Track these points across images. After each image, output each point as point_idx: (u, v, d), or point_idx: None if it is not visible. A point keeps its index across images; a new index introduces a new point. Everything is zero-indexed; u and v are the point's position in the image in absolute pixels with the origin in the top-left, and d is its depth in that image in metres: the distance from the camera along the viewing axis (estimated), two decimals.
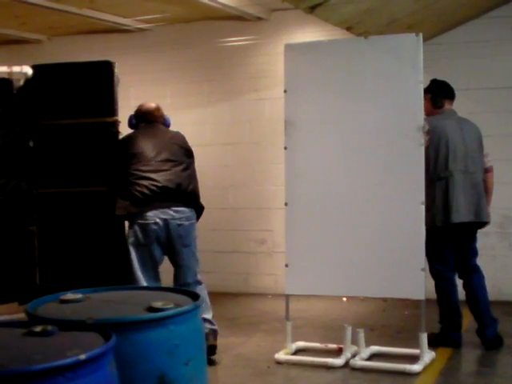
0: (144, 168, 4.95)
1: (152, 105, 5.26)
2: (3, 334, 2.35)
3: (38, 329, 2.29)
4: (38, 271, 5.71)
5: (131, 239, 4.99)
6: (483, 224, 5.29)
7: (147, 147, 5.01)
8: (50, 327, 2.30)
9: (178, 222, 4.99)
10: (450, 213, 5.04)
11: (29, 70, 5.71)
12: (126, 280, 5.26)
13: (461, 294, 5.27)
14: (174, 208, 4.97)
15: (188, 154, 5.19)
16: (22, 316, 2.84)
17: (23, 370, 1.97)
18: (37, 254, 5.71)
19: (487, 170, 5.36)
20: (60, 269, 5.63)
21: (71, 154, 5.58)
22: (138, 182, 4.92)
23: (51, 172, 5.66)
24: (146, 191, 4.90)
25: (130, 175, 4.95)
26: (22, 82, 5.72)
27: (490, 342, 5.14)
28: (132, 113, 5.27)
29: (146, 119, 5.19)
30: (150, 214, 4.92)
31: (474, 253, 5.28)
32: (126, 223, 5.09)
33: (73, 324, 2.42)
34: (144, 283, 4.95)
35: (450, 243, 5.21)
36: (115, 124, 5.42)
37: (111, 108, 5.43)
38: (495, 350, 5.11)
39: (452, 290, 5.15)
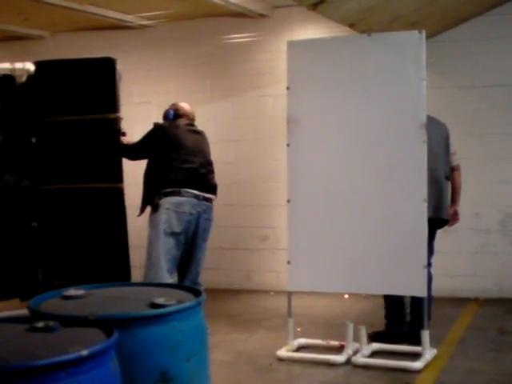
0: (186, 156, 5.21)
1: (189, 106, 5.59)
2: (6, 330, 2.36)
3: (41, 324, 2.30)
4: (40, 267, 5.71)
5: (164, 226, 5.06)
6: (443, 221, 5.18)
7: (190, 140, 5.31)
8: (52, 323, 2.30)
9: (206, 216, 5.28)
10: None
11: (31, 67, 5.71)
12: (128, 274, 5.29)
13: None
14: (205, 202, 5.24)
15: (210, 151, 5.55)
16: (24, 312, 2.85)
17: (25, 365, 1.98)
18: (39, 250, 5.72)
19: (454, 169, 5.29)
20: (62, 265, 5.63)
21: (73, 150, 5.58)
22: (180, 166, 5.16)
23: (53, 168, 5.66)
24: (186, 175, 5.15)
25: (172, 160, 5.18)
26: (24, 79, 5.72)
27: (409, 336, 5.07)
28: (168, 107, 5.54)
29: (185, 117, 5.48)
30: (186, 204, 5.12)
31: (428, 251, 4.99)
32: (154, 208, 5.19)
33: (75, 320, 2.42)
34: (165, 272, 5.02)
35: None
36: (117, 120, 5.42)
37: (113, 104, 5.42)
38: (495, 348, 5.10)
39: None
